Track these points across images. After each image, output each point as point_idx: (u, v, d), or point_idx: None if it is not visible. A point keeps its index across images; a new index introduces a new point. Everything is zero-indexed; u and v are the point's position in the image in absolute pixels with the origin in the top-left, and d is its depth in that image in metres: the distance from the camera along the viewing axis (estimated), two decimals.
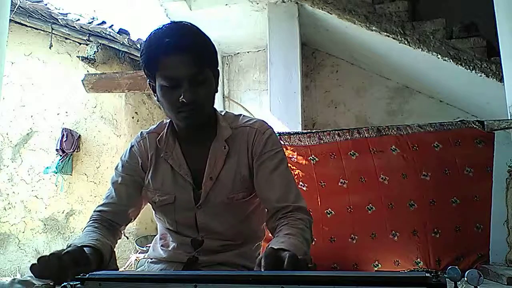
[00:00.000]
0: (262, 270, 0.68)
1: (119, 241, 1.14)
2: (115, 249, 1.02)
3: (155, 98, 1.06)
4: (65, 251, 0.79)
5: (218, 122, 1.11)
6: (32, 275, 0.75)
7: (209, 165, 1.08)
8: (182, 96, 0.95)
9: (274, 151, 1.09)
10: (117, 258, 1.01)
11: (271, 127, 1.14)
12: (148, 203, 1.17)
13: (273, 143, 1.10)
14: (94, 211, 1.11)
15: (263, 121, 1.16)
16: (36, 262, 0.74)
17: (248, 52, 5.13)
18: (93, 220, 1.08)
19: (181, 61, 0.95)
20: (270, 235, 2.64)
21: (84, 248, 0.87)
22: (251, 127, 1.11)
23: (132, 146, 1.16)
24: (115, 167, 1.17)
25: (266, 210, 1.09)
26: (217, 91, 1.08)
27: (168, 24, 1.02)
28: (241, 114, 1.18)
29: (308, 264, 0.71)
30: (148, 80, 1.06)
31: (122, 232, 1.15)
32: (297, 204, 1.03)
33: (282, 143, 2.73)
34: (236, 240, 1.12)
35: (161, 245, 1.18)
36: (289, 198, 1.04)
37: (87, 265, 0.78)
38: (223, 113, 1.15)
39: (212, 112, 1.11)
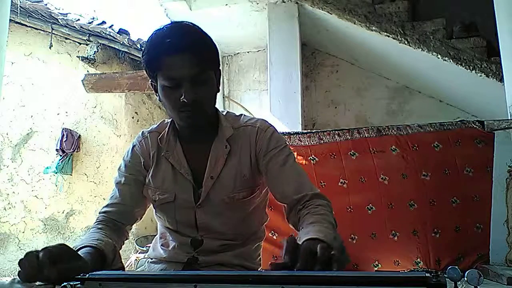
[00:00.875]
0: (295, 269, 0.65)
1: None
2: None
3: (157, 98, 1.06)
4: (43, 248, 0.77)
5: (220, 122, 1.11)
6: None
7: (210, 164, 1.08)
8: (183, 96, 0.95)
9: (280, 147, 1.09)
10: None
11: (273, 126, 1.14)
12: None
13: (277, 140, 1.10)
14: (99, 213, 1.11)
15: (264, 120, 1.16)
16: (18, 266, 0.71)
17: (248, 52, 5.13)
18: (98, 221, 1.08)
19: (182, 61, 0.95)
20: (270, 235, 2.62)
21: (84, 248, 0.86)
22: (252, 126, 1.12)
23: (134, 146, 1.17)
24: (118, 168, 1.17)
25: (284, 206, 1.07)
26: (218, 91, 1.08)
27: (169, 24, 1.02)
28: (242, 114, 1.18)
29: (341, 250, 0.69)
30: (150, 80, 1.06)
31: (128, 232, 1.15)
32: (314, 192, 1.02)
33: None
34: (236, 240, 1.12)
35: (161, 245, 1.18)
36: (304, 188, 1.03)
37: (70, 258, 0.75)
38: (224, 113, 1.15)
39: (214, 112, 1.11)
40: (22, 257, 0.73)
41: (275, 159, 1.07)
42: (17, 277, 0.71)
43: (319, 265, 0.64)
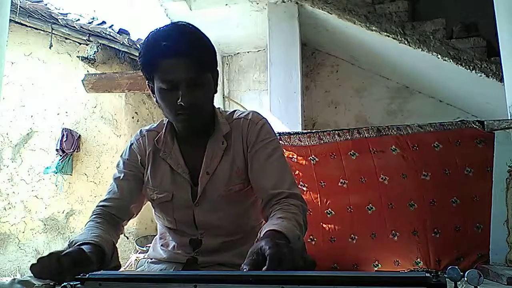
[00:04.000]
0: (245, 269, 0.68)
1: (119, 241, 1.15)
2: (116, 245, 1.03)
3: (154, 100, 1.07)
4: (65, 252, 0.79)
5: (217, 119, 1.11)
6: (32, 275, 0.75)
7: (206, 160, 1.08)
8: (180, 99, 0.95)
9: (268, 140, 1.09)
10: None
11: (265, 118, 1.15)
12: (148, 201, 1.18)
13: (266, 132, 1.11)
14: (96, 206, 1.12)
15: (257, 112, 1.16)
16: (36, 262, 0.75)
17: (248, 52, 5.13)
18: (95, 214, 1.08)
19: (178, 65, 0.95)
20: None
21: (86, 246, 0.87)
22: (244, 119, 1.12)
23: (131, 144, 1.18)
24: (116, 165, 1.18)
25: (260, 200, 1.07)
26: (216, 92, 1.08)
27: (166, 25, 1.01)
28: (236, 110, 1.19)
29: (299, 250, 0.70)
30: (147, 81, 1.06)
31: (124, 227, 1.16)
32: (291, 191, 1.03)
33: (282, 143, 2.73)
34: (235, 235, 1.12)
35: (161, 245, 1.18)
36: (283, 185, 1.03)
37: (87, 265, 0.78)
38: (220, 111, 1.16)
39: (211, 111, 1.11)
40: (26, 257, 0.76)
41: (261, 151, 1.07)
42: (19, 276, 0.73)
43: (268, 263, 0.66)
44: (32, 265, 0.74)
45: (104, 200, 1.12)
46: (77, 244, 0.88)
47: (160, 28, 0.99)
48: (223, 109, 1.20)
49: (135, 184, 1.14)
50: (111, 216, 1.09)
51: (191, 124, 1.02)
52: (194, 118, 1.01)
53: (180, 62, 0.95)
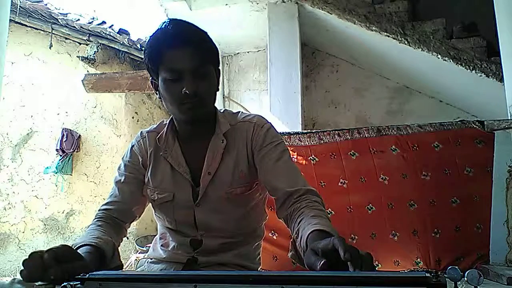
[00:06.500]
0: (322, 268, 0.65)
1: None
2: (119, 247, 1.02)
3: (157, 96, 1.07)
4: (48, 249, 0.77)
5: (217, 119, 1.12)
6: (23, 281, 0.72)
7: (207, 160, 1.08)
8: (184, 88, 0.97)
9: (275, 143, 1.09)
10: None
11: (270, 122, 1.15)
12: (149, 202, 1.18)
13: (273, 136, 1.11)
14: (98, 210, 1.12)
15: (261, 116, 1.16)
16: (22, 267, 0.72)
17: (248, 52, 5.13)
18: (97, 218, 1.08)
19: (184, 54, 0.98)
20: (270, 235, 2.61)
21: (84, 247, 0.87)
22: (249, 122, 1.12)
23: (132, 146, 1.18)
24: (117, 168, 1.18)
25: (275, 199, 1.05)
26: (218, 90, 1.09)
27: (171, 19, 1.04)
28: (239, 111, 1.19)
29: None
30: (151, 78, 1.07)
31: (127, 230, 1.16)
32: (308, 187, 1.02)
33: None
34: (236, 237, 1.12)
35: (161, 245, 1.18)
36: (298, 182, 1.02)
37: (75, 260, 0.75)
38: (222, 111, 1.17)
39: (213, 109, 1.12)
40: (26, 257, 0.73)
41: (269, 154, 1.07)
42: (18, 276, 0.71)
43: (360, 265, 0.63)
44: (21, 271, 0.72)
45: (106, 204, 1.12)
46: (75, 246, 0.87)
47: (165, 21, 1.02)
48: (224, 109, 1.20)
49: (136, 186, 1.14)
50: (113, 219, 1.09)
51: (194, 115, 1.03)
52: (197, 108, 1.01)
53: (185, 51, 0.98)
